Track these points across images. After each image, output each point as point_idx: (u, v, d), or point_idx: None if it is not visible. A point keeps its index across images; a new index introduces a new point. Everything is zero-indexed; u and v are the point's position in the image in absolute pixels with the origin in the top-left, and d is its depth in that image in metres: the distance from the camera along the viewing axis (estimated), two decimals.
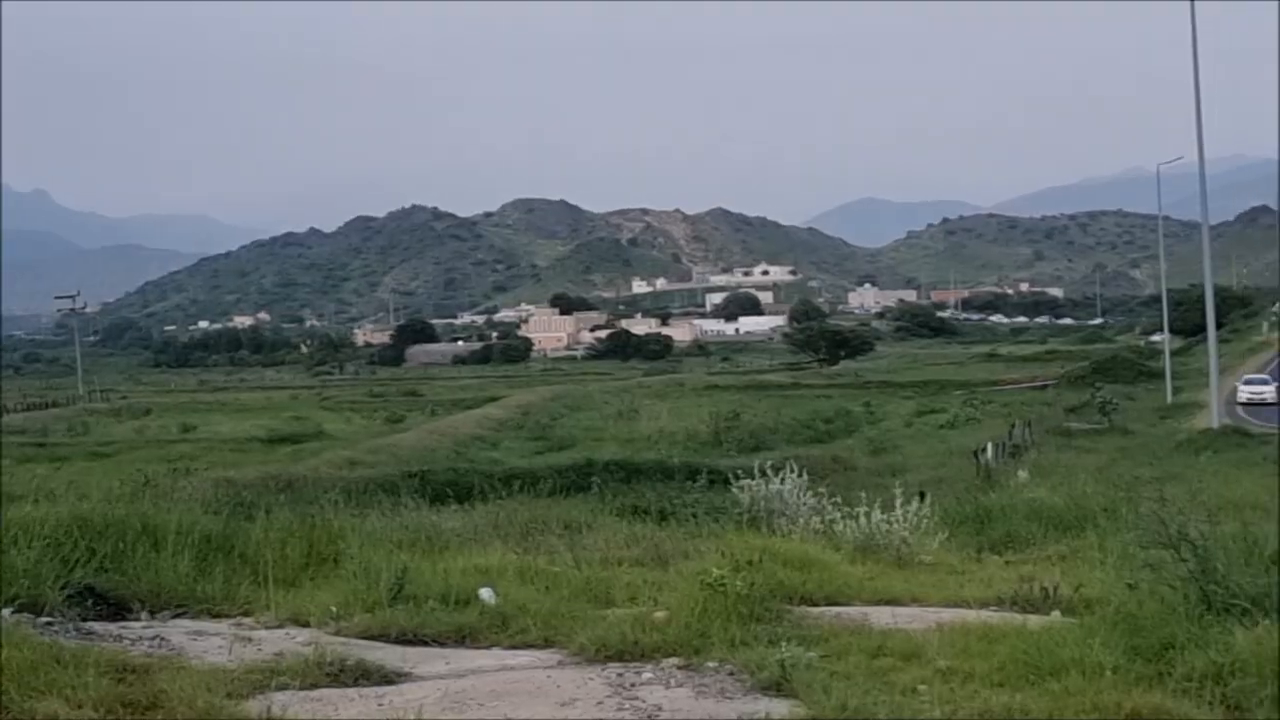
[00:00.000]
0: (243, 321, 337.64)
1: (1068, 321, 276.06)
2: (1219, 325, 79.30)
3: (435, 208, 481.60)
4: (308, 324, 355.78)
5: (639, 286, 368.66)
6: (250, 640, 9.55)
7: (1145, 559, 9.91)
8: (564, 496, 25.28)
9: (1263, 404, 70.70)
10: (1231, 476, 24.03)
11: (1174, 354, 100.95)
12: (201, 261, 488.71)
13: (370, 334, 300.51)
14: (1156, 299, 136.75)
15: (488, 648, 9.70)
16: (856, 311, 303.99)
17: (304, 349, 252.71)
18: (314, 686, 8.28)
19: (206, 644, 9.41)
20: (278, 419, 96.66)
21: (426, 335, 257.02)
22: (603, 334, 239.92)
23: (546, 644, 9.67)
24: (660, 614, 9.91)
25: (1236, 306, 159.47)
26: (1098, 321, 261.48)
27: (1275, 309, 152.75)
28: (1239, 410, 66.31)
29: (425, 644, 9.73)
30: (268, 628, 10.18)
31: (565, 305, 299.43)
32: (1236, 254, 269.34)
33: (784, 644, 8.56)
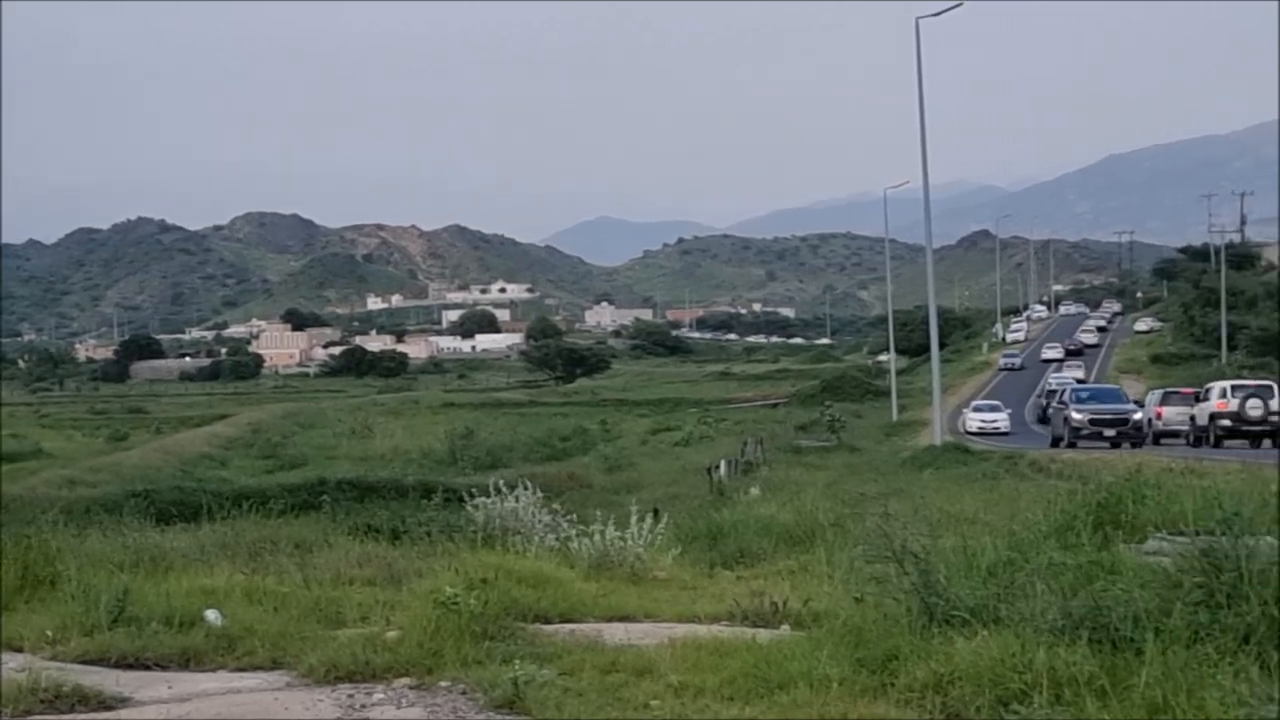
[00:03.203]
0: None
1: (799, 341, 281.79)
2: (942, 346, 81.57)
3: (162, 220, 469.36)
4: (26, 338, 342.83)
5: (374, 303, 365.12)
6: None
7: (871, 573, 10.14)
8: (295, 516, 24.79)
9: (996, 433, 67.44)
10: (953, 492, 24.76)
11: (899, 373, 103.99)
12: None
13: (93, 349, 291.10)
14: (883, 319, 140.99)
15: (213, 670, 9.47)
16: (593, 329, 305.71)
17: (21, 364, 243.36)
18: (28, 714, 8.00)
19: None
20: None
21: (152, 351, 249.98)
22: (336, 350, 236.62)
23: (275, 665, 9.48)
24: (392, 633, 9.80)
25: (959, 327, 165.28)
26: (827, 341, 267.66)
27: (995, 330, 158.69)
28: (972, 440, 62.01)
29: (147, 668, 9.45)
30: None
31: (298, 321, 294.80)
32: (958, 276, 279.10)
33: (517, 662, 8.53)
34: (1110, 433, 48.60)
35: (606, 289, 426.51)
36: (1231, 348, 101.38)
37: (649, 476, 55.53)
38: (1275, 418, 46.08)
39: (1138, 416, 50.23)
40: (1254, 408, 46.31)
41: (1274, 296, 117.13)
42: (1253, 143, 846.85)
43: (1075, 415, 49.86)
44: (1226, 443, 45.77)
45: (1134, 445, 46.45)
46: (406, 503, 34.72)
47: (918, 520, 12.36)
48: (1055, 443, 51.07)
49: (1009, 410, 73.62)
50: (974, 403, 79.85)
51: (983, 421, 70.60)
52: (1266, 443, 45.25)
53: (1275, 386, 49.45)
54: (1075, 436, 48.97)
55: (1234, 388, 48.52)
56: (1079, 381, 79.49)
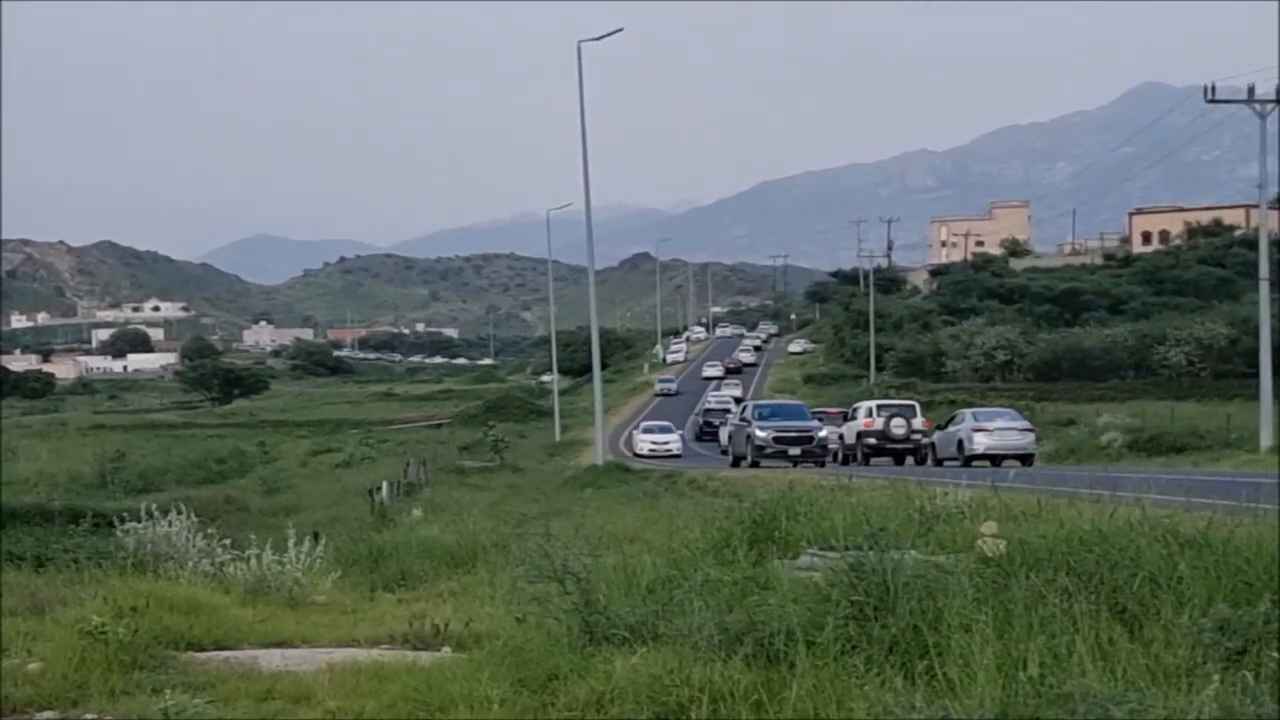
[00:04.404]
0: None
1: (462, 361, 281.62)
2: (604, 366, 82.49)
3: None
4: None
5: (18, 321, 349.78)
6: None
7: (533, 593, 10.17)
8: None
9: (668, 455, 66.40)
10: (614, 511, 25.02)
11: (562, 393, 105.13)
12: None
13: None
14: (546, 340, 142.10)
15: None
16: (252, 349, 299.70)
17: None
18: None
19: None
20: None
21: None
22: None
23: None
24: (34, 665, 9.38)
25: (621, 348, 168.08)
26: (490, 362, 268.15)
27: (655, 350, 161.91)
28: (642, 461, 61.16)
29: None
30: None
31: None
32: (620, 298, 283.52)
33: (168, 692, 8.25)
34: (795, 451, 46.09)
35: (265, 308, 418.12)
36: (879, 368, 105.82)
37: (309, 499, 54.73)
38: (917, 436, 48.22)
39: (822, 434, 47.94)
40: (897, 426, 48.33)
41: (917, 319, 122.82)
42: (898, 171, 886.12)
43: (759, 433, 46.84)
44: (874, 460, 47.65)
45: (819, 464, 44.56)
46: (52, 529, 33.32)
47: (579, 539, 12.46)
48: (737, 462, 48.55)
49: (682, 431, 74.37)
50: (644, 424, 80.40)
51: (654, 444, 70.55)
52: (909, 459, 47.35)
53: (917, 406, 51.82)
54: (759, 455, 46.24)
55: (879, 407, 50.56)
56: (736, 400, 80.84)
